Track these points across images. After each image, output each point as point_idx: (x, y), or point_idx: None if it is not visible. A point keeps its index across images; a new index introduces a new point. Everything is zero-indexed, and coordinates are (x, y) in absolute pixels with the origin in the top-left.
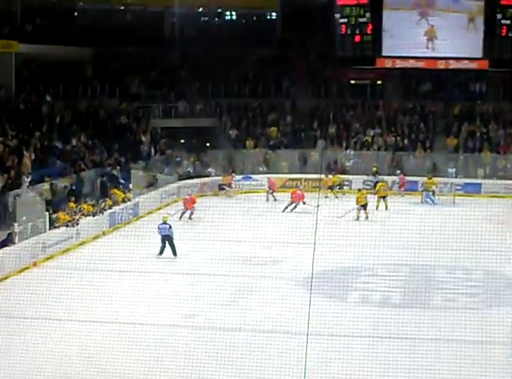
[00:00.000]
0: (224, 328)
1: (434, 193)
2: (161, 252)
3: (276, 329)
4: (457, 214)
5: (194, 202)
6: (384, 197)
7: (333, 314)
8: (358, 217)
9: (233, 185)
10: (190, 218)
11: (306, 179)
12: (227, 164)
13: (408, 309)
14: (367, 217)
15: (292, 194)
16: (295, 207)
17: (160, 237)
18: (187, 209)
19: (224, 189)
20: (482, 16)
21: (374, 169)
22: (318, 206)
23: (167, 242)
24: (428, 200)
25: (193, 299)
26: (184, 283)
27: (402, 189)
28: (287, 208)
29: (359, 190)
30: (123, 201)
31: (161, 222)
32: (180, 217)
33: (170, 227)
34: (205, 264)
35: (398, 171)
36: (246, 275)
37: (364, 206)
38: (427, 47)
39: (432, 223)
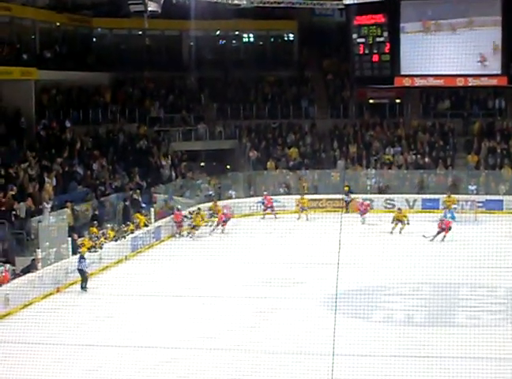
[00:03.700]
0: (247, 350)
1: (456, 208)
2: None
3: (301, 350)
4: (480, 231)
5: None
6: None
7: (357, 334)
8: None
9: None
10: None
11: (327, 199)
12: (249, 186)
13: (431, 328)
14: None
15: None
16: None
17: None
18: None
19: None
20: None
21: (347, 188)
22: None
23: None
24: (449, 215)
25: (216, 321)
26: (206, 306)
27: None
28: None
29: (399, 209)
30: (145, 225)
31: (83, 254)
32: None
33: (83, 260)
34: (227, 287)
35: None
36: (268, 297)
37: (402, 221)
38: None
39: (454, 240)
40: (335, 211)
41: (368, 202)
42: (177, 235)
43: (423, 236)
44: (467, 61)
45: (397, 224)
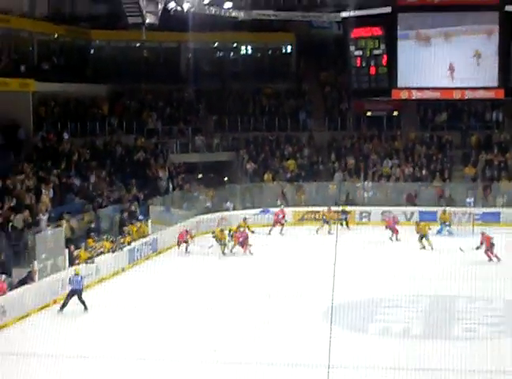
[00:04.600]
0: (244, 363)
1: (450, 224)
2: (64, 305)
3: (297, 362)
4: (476, 243)
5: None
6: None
7: (354, 346)
8: (424, 246)
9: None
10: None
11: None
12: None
13: (428, 340)
14: (424, 247)
15: None
16: None
17: (69, 289)
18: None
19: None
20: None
21: (343, 207)
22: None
23: (75, 296)
24: (445, 231)
25: (213, 334)
26: (205, 319)
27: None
28: None
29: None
30: (143, 236)
31: (74, 273)
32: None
33: (81, 279)
34: (225, 299)
35: None
36: (266, 309)
37: (425, 236)
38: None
39: (451, 253)
40: (333, 223)
41: (394, 215)
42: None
43: (460, 249)
44: (465, 71)
45: (421, 239)
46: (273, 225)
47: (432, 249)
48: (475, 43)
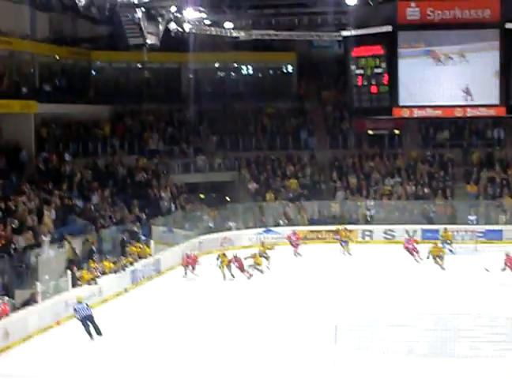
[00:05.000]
0: None
1: (452, 243)
2: (90, 334)
3: None
4: (480, 261)
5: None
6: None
7: (358, 365)
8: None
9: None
10: (193, 273)
11: (327, 231)
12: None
13: (433, 359)
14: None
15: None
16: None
17: (79, 320)
18: (188, 266)
19: None
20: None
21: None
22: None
23: (88, 322)
24: (446, 250)
25: (216, 355)
26: (209, 339)
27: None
28: None
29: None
30: (145, 257)
31: (77, 302)
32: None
33: (87, 305)
34: (230, 320)
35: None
36: (271, 329)
37: (440, 257)
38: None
39: (455, 271)
40: (335, 242)
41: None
42: (189, 274)
43: (486, 269)
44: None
45: (435, 259)
46: (293, 247)
47: (443, 269)
48: (478, 61)
